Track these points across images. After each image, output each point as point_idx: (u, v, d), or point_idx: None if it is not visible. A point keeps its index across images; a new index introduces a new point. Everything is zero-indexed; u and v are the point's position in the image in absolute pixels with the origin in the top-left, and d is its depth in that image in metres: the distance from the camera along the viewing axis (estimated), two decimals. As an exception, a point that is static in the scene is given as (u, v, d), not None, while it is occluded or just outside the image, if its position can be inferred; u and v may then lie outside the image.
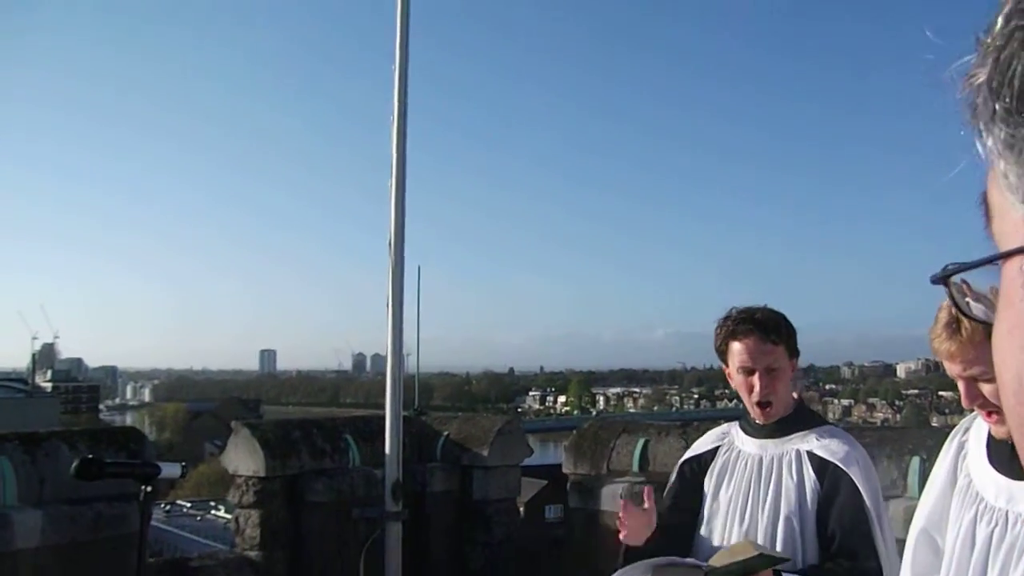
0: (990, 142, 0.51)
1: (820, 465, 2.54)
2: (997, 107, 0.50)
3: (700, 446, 2.82)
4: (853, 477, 2.49)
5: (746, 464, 2.66)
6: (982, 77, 0.51)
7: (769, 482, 2.60)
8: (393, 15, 5.47)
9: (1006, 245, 0.53)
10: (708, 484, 2.71)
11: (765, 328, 2.59)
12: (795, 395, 2.75)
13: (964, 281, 0.61)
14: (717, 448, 2.76)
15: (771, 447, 2.64)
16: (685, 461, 2.82)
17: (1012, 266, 0.53)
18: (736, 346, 2.60)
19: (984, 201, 0.55)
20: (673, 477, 2.84)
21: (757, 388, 2.58)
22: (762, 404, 2.60)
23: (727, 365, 2.66)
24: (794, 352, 2.65)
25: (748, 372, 2.60)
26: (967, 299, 0.63)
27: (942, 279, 0.60)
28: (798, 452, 2.60)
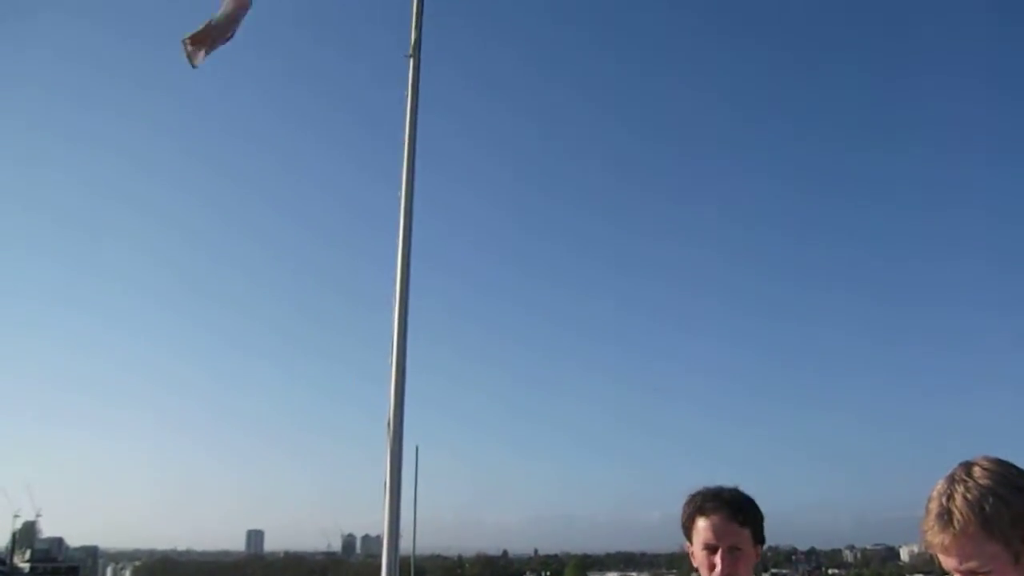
0: None
1: None
2: None
3: None
4: None
5: None
6: None
7: None
8: (397, 199, 5.75)
9: None
10: None
11: (733, 507, 2.59)
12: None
13: None
14: None
15: None
16: None
17: None
18: (702, 523, 2.60)
19: None
20: None
21: (719, 568, 2.53)
22: None
23: (691, 542, 2.64)
24: (760, 538, 2.63)
25: (711, 550, 2.56)
26: None
27: None
28: None
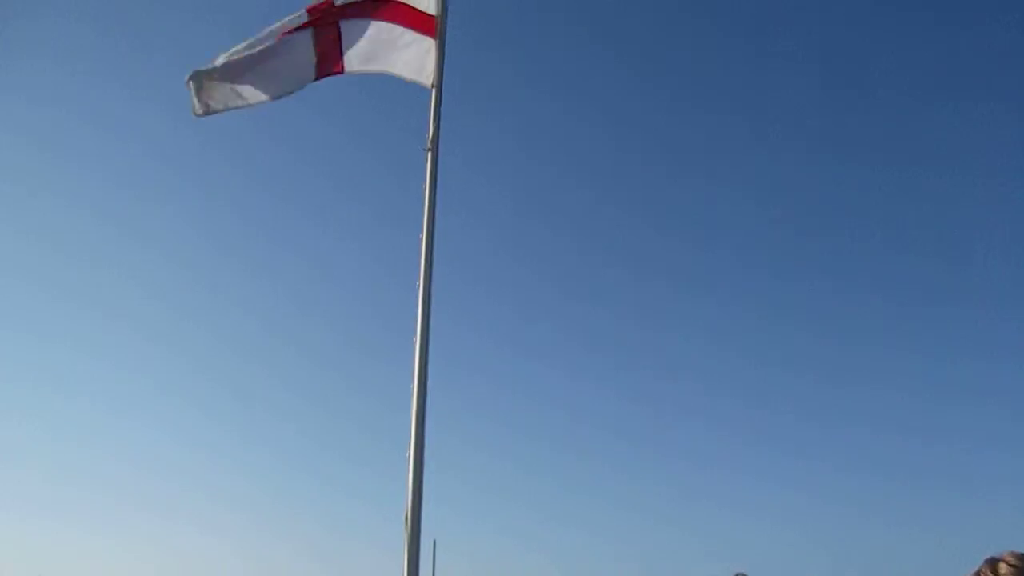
0: None
1: None
2: None
3: None
4: None
5: None
6: None
7: None
8: (415, 298, 5.78)
9: None
10: None
11: None
12: None
13: None
14: None
15: None
16: None
17: None
18: None
19: None
20: None
21: None
22: None
23: None
24: None
25: None
26: None
27: None
28: None
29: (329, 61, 6.45)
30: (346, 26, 6.45)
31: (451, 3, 6.50)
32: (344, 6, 6.44)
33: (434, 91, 6.25)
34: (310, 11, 6.37)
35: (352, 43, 6.45)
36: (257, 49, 6.24)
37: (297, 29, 6.33)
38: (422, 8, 6.41)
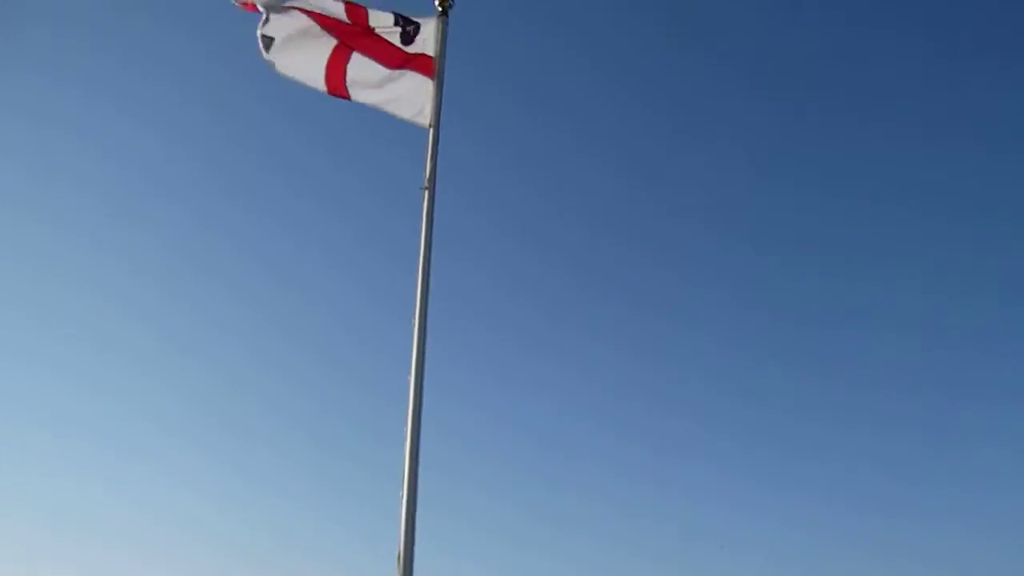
0: None
1: None
2: None
3: None
4: None
5: None
6: None
7: None
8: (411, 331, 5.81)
9: None
10: None
11: None
12: None
13: None
14: None
15: None
16: None
17: None
18: None
19: None
20: None
21: None
22: None
23: None
24: None
25: None
26: None
27: None
28: None
29: (335, 80, 6.56)
30: (356, 57, 6.57)
31: (450, 43, 6.64)
32: (364, 37, 6.57)
33: (431, 130, 6.35)
34: (347, 13, 6.60)
35: (356, 74, 6.57)
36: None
37: (327, 25, 6.57)
38: (420, 50, 6.54)
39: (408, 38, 6.57)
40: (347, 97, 6.57)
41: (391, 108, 6.49)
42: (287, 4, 6.48)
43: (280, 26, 6.44)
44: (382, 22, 6.59)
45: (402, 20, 6.61)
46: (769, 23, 24.49)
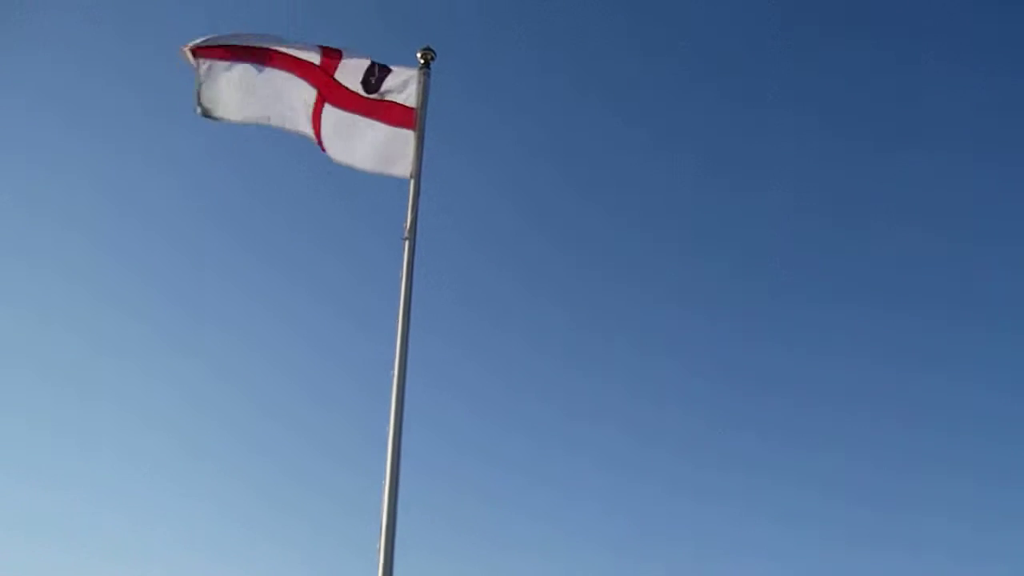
0: None
1: None
2: None
3: None
4: None
5: None
6: None
7: None
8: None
9: None
10: None
11: None
12: None
13: None
14: None
15: None
16: None
17: None
18: None
19: None
20: None
21: None
22: None
23: None
24: None
25: None
26: None
27: None
28: None
29: (315, 129, 6.75)
30: (329, 110, 6.73)
31: (432, 93, 6.84)
32: (338, 90, 6.74)
33: (412, 181, 6.52)
34: (323, 63, 6.65)
35: (330, 129, 6.71)
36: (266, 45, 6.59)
37: (303, 71, 6.62)
38: (401, 101, 6.73)
39: (371, 87, 6.69)
40: (323, 151, 6.74)
41: (369, 167, 6.67)
42: (257, 45, 6.56)
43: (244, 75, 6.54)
44: (351, 70, 6.68)
45: (378, 68, 6.72)
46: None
